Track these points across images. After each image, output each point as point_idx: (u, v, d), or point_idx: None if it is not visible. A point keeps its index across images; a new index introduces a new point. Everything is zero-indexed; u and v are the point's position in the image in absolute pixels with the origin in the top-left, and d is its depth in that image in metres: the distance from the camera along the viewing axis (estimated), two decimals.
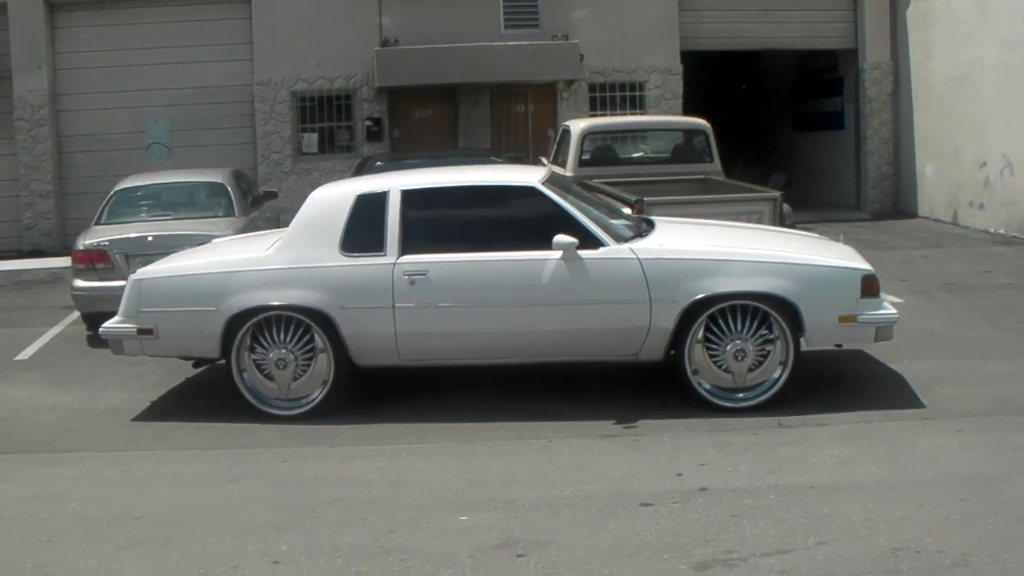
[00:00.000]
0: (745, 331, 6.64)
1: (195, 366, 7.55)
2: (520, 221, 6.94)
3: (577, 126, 12.33)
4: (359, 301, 6.78)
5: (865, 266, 6.70)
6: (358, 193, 7.10)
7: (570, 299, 6.70)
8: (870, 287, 6.62)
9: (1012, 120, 13.91)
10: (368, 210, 6.92)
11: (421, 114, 16.98)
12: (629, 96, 16.92)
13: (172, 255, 7.95)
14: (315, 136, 16.82)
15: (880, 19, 16.94)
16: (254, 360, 6.93)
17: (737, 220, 10.16)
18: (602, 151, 12.39)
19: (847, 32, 17.26)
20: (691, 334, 6.63)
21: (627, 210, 10.02)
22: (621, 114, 16.43)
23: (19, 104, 16.34)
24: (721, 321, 6.65)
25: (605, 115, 16.43)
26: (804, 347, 6.76)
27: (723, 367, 6.67)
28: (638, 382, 7.33)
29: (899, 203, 17.25)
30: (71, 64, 16.57)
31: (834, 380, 7.40)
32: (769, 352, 6.64)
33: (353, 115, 16.78)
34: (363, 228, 6.88)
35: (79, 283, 9.83)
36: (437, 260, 6.78)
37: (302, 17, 16.29)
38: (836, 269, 6.68)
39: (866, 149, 17.31)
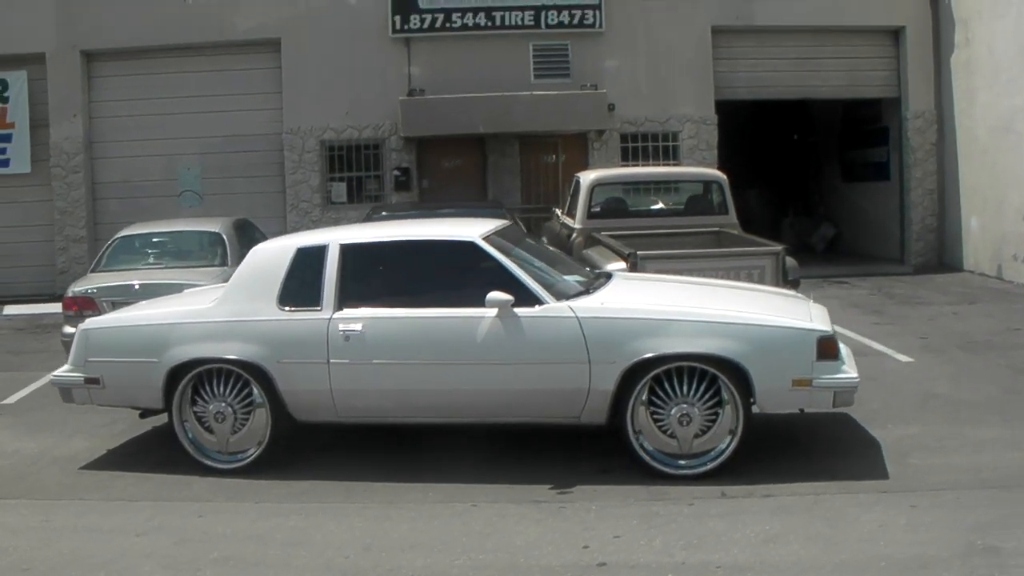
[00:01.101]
0: (691, 395, 6.23)
1: (142, 416, 7.45)
2: (459, 277, 6.67)
3: (587, 177, 12.02)
4: (295, 356, 6.65)
5: (822, 327, 6.24)
6: (298, 247, 7.00)
7: (506, 358, 6.40)
8: (827, 350, 6.16)
9: None
10: (307, 264, 6.82)
11: (450, 164, 16.86)
12: (662, 147, 16.57)
13: (131, 306, 7.93)
14: (344, 185, 16.81)
15: (924, 67, 16.36)
16: (195, 412, 6.86)
17: (738, 275, 9.82)
18: (612, 203, 12.05)
19: (890, 80, 16.71)
20: (633, 397, 6.26)
21: (622, 264, 9.77)
22: (654, 164, 16.07)
23: (55, 151, 16.70)
24: (666, 383, 6.26)
25: (636, 165, 16.11)
26: (759, 411, 6.32)
27: (668, 432, 6.28)
28: (589, 444, 6.94)
29: (944, 256, 16.52)
30: (106, 112, 16.89)
31: (802, 445, 6.96)
32: (717, 417, 6.22)
33: (382, 164, 16.74)
34: (301, 282, 6.78)
35: (68, 329, 9.84)
36: (372, 315, 6.61)
37: (331, 66, 16.35)
38: (789, 330, 6.23)
39: (909, 201, 16.65)
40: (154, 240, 11.32)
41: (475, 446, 7.11)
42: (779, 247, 9.94)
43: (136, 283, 9.97)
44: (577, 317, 6.34)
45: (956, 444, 6.83)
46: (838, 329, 11.12)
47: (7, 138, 16.72)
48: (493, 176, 16.67)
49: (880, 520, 5.41)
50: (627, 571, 4.90)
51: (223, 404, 6.76)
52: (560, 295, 6.52)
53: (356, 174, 16.87)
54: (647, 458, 6.30)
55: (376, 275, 6.91)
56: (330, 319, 6.63)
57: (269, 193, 16.71)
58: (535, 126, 15.77)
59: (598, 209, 11.85)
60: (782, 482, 6.13)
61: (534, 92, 15.65)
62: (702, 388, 6.23)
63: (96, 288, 10.08)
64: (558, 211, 12.43)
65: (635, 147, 16.57)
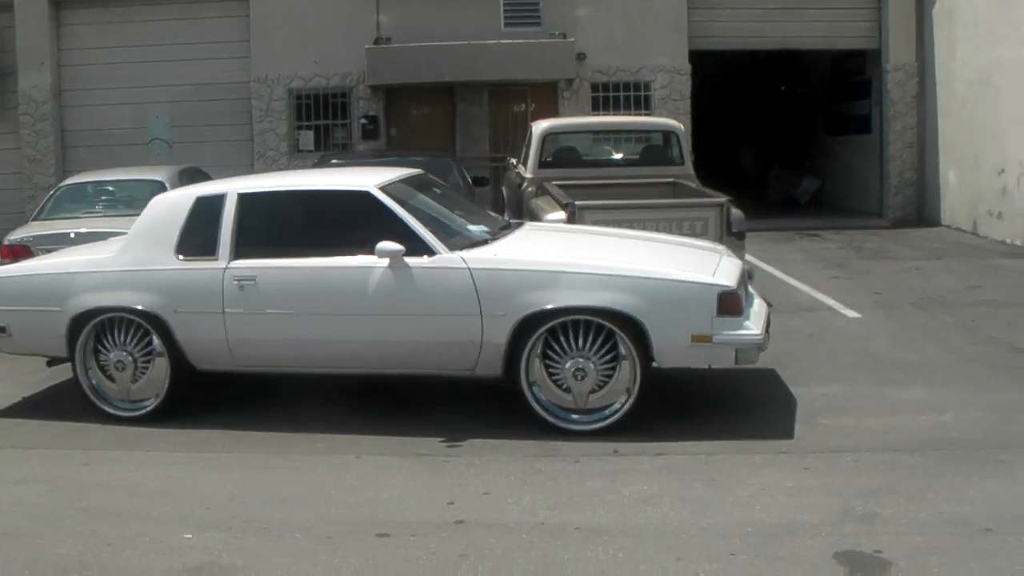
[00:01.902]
0: (587, 349, 6.04)
1: (49, 364, 7.32)
2: (354, 227, 6.47)
3: (539, 126, 11.74)
4: (191, 305, 6.58)
5: (723, 282, 6.00)
6: (197, 196, 6.91)
7: (397, 309, 6.25)
8: (728, 305, 5.93)
9: None
10: (205, 214, 6.71)
11: (419, 112, 16.59)
12: (634, 96, 16.23)
13: (46, 255, 7.83)
14: (311, 134, 16.57)
15: (905, 17, 15.92)
16: (98, 361, 6.82)
17: (681, 227, 9.59)
18: (565, 152, 11.78)
19: (871, 31, 16.28)
20: (527, 350, 6.09)
21: (561, 214, 9.54)
22: (626, 114, 15.74)
23: (23, 99, 16.52)
24: (562, 337, 6.07)
25: (608, 115, 15.78)
26: (659, 367, 6.13)
27: (563, 386, 6.11)
28: (492, 396, 6.76)
29: (922, 211, 16.19)
30: (75, 60, 16.67)
31: (714, 403, 6.79)
32: (614, 373, 6.03)
33: (350, 113, 16.48)
34: (199, 232, 6.68)
35: None
36: (266, 265, 6.49)
37: (299, 14, 16.06)
38: (687, 284, 6.00)
39: (888, 154, 16.29)
40: (97, 189, 11.17)
41: (378, 397, 7.04)
42: (723, 198, 9.68)
43: (72, 231, 9.85)
44: (469, 268, 6.15)
45: (872, 405, 6.62)
46: (793, 283, 11.12)
47: None
48: (462, 125, 16.40)
49: (765, 483, 5.22)
50: (481, 529, 4.74)
51: (123, 353, 6.72)
52: (454, 246, 6.32)
53: (324, 122, 16.62)
54: (541, 412, 6.15)
55: (273, 225, 6.75)
56: (225, 268, 6.53)
57: (237, 142, 16.51)
58: (503, 75, 15.46)
59: (550, 159, 11.59)
60: (680, 440, 5.96)
61: (501, 41, 15.30)
62: (598, 343, 6.04)
63: (32, 236, 9.98)
64: (513, 160, 12.16)
65: (606, 96, 16.21)
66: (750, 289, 6.94)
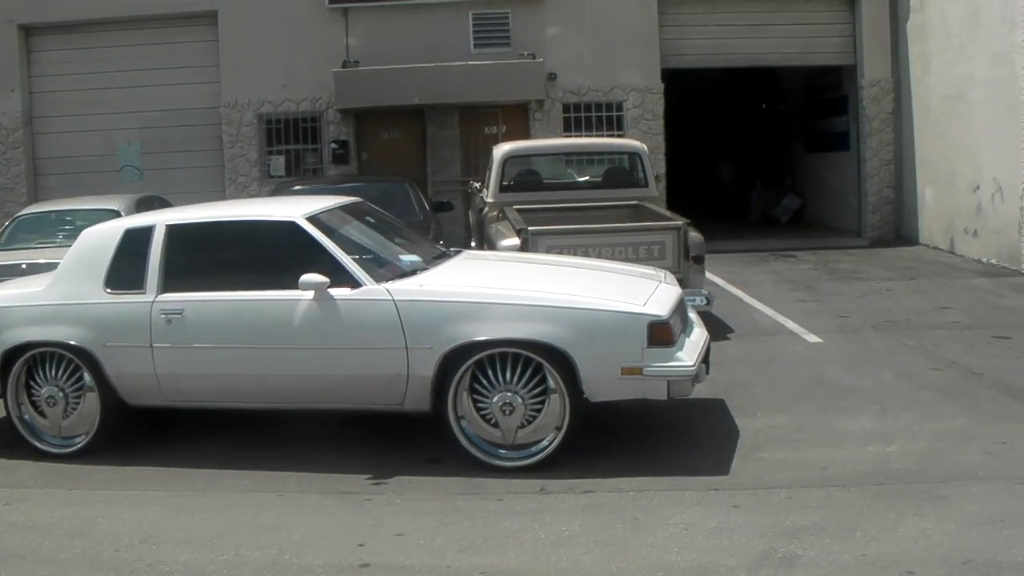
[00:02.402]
0: (516, 382, 5.85)
1: None
2: (281, 258, 6.31)
3: (500, 149, 11.60)
4: (120, 339, 6.44)
5: (655, 312, 5.80)
6: (126, 228, 6.77)
7: (323, 343, 6.08)
8: (659, 335, 5.74)
9: (1002, 141, 12.68)
10: (134, 246, 6.58)
11: (390, 136, 16.42)
12: (606, 116, 16.05)
13: None
14: (282, 159, 16.40)
15: (879, 32, 15.76)
16: (31, 396, 6.70)
17: (638, 251, 9.45)
18: (526, 176, 11.61)
19: (845, 47, 16.11)
20: (454, 384, 5.90)
21: (515, 240, 9.37)
22: (597, 135, 15.58)
23: None
24: (490, 370, 5.89)
25: (580, 136, 15.63)
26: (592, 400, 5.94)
27: (491, 421, 5.92)
28: (427, 432, 6.55)
29: (900, 229, 16.00)
30: (46, 87, 16.54)
31: (654, 436, 6.57)
32: (543, 407, 5.84)
33: (321, 137, 16.32)
34: (127, 265, 6.56)
35: None
36: (193, 299, 6.35)
37: (268, 38, 15.93)
38: (616, 315, 5.81)
39: (865, 171, 16.11)
40: (52, 219, 11.05)
41: (313, 431, 6.82)
42: (680, 222, 9.55)
43: (23, 262, 9.74)
44: (394, 300, 5.98)
45: (818, 436, 6.43)
46: (758, 307, 10.92)
47: None
48: (432, 148, 16.22)
49: (690, 522, 5.03)
50: (386, 572, 4.58)
51: (54, 388, 6.61)
52: (381, 277, 6.14)
53: (295, 147, 16.45)
54: (470, 447, 5.97)
55: (201, 257, 6.60)
56: (153, 302, 6.40)
57: (208, 167, 16.35)
58: (470, 96, 15.29)
59: (511, 183, 11.43)
60: (612, 476, 5.77)
61: (468, 62, 15.16)
62: (526, 376, 5.85)
63: None
64: (476, 185, 12.00)
65: (578, 117, 16.05)
66: (691, 316, 6.77)
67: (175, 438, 6.96)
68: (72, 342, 6.49)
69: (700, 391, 7.44)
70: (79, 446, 6.61)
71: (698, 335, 6.35)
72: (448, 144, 16.26)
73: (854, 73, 16.17)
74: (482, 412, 5.92)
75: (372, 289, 6.03)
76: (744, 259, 14.72)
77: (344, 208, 7.07)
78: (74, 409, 6.60)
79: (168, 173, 16.28)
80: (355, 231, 6.82)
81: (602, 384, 5.80)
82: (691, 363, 5.78)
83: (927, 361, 8.25)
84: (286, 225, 6.34)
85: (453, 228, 13.66)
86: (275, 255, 6.37)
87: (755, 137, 21.96)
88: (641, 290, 6.18)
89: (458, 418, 5.95)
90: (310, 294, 6.05)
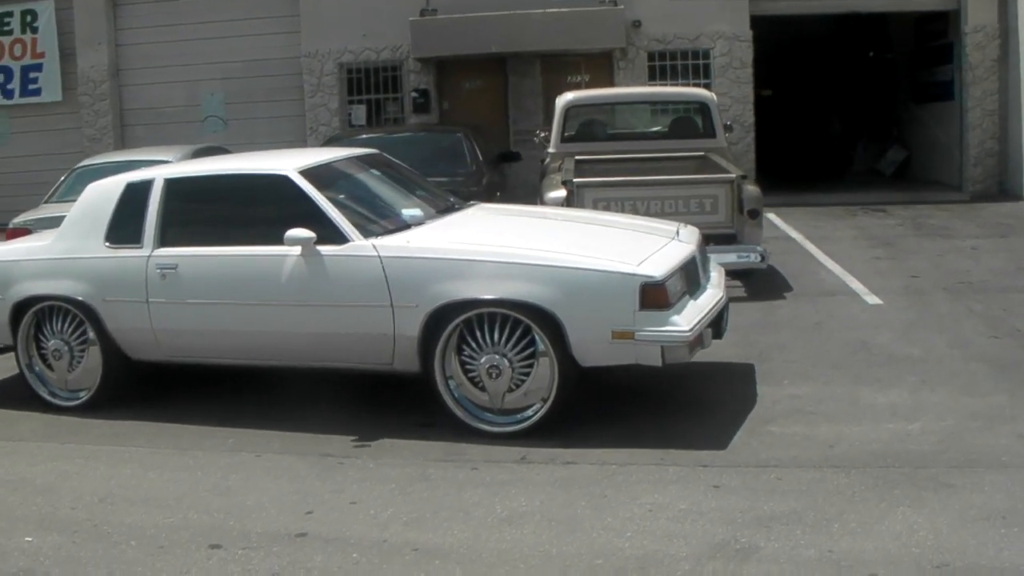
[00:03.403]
0: (504, 344, 5.56)
1: (1, 352, 7.19)
2: (273, 213, 6.12)
3: (563, 98, 11.18)
4: (119, 294, 6.42)
5: (649, 272, 5.40)
6: (127, 182, 6.71)
7: (309, 299, 5.91)
8: (653, 298, 5.35)
9: None
10: (134, 200, 6.52)
11: (471, 85, 16.10)
12: (692, 65, 15.37)
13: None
14: (363, 108, 16.26)
15: None
16: (39, 349, 6.74)
17: (688, 205, 8.99)
18: (589, 126, 11.19)
19: None
20: (440, 344, 5.65)
21: (562, 192, 9.02)
22: (683, 84, 14.95)
23: (82, 79, 16.69)
24: (478, 331, 5.61)
25: (665, 84, 15.03)
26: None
27: (479, 384, 5.65)
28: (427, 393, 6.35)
29: (1005, 183, 14.93)
30: (131, 40, 16.75)
31: (662, 403, 6.21)
32: (531, 371, 5.54)
33: (402, 86, 16.11)
34: (127, 219, 6.50)
35: None
36: (187, 254, 6.26)
37: None
38: (607, 275, 5.43)
39: (967, 122, 15.05)
40: (110, 170, 10.97)
41: (318, 391, 6.66)
42: (733, 175, 9.02)
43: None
44: (380, 256, 5.75)
45: (839, 409, 5.94)
46: (828, 264, 10.30)
47: (38, 68, 16.79)
48: (514, 98, 15.85)
49: (660, 502, 4.67)
50: (317, 544, 4.39)
51: (60, 341, 6.63)
52: (371, 232, 5.91)
53: (375, 96, 16.29)
54: (457, 410, 5.74)
55: (197, 212, 6.50)
56: (149, 256, 6.34)
57: (290, 117, 16.33)
58: (550, 45, 14.84)
59: (573, 133, 11.03)
60: (601, 447, 5.45)
61: (547, 10, 14.67)
62: (515, 338, 5.54)
63: (35, 219, 9.95)
64: (543, 135, 11.62)
65: (663, 66, 15.42)
66: (711, 275, 6.34)
67: (180, 393, 6.93)
68: (74, 296, 6.49)
69: (731, 355, 7.12)
70: (84, 399, 6.64)
71: (708, 297, 5.92)
72: (530, 93, 15.86)
73: (958, 18, 15.06)
74: (470, 375, 5.66)
75: (358, 245, 5.81)
76: (832, 213, 13.99)
77: (353, 160, 6.87)
78: (79, 362, 6.62)
79: (251, 123, 16.36)
80: (358, 184, 6.62)
81: (592, 348, 5.46)
82: (687, 328, 5.37)
83: (989, 328, 7.60)
84: (278, 179, 6.16)
85: (531, 177, 13.27)
86: (268, 209, 6.20)
87: (864, 87, 20.84)
88: (643, 248, 5.78)
89: (446, 379, 5.72)
90: (297, 249, 5.86)
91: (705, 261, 6.41)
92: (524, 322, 5.51)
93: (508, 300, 5.47)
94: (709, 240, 8.84)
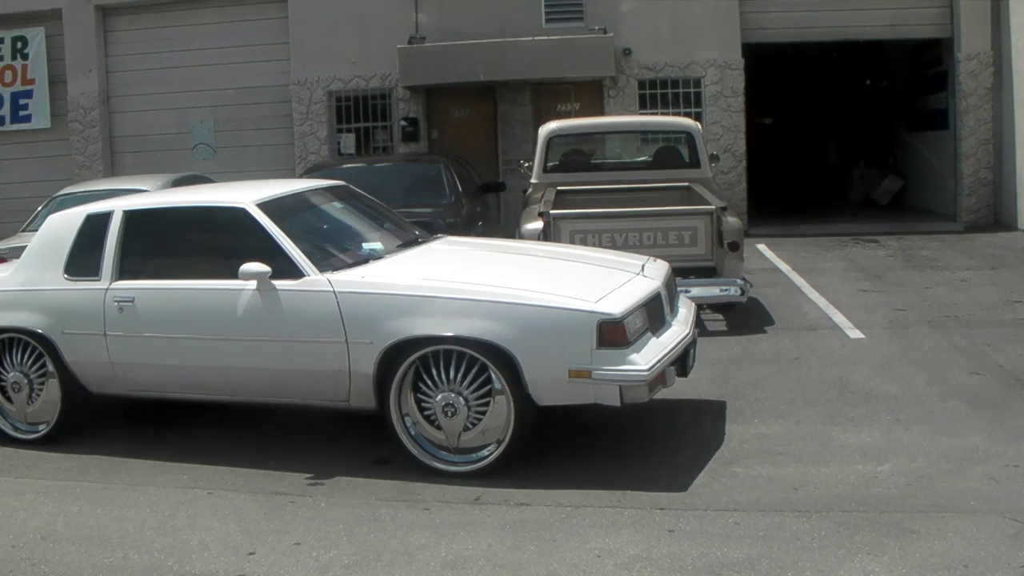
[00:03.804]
0: (460, 382, 5.41)
1: None
2: (231, 246, 6.01)
3: (545, 128, 11.07)
4: (77, 327, 6.31)
5: (606, 310, 5.25)
6: (87, 213, 6.61)
7: (264, 335, 5.77)
8: (610, 336, 5.21)
9: None
10: (94, 232, 6.43)
11: (460, 113, 16.03)
12: (683, 93, 15.29)
13: None
14: (352, 136, 16.20)
15: (980, 2, 14.53)
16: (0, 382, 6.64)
17: (667, 237, 8.86)
18: (572, 155, 11.09)
19: (942, 18, 14.92)
20: (396, 382, 5.51)
21: (539, 224, 8.90)
22: (674, 113, 14.87)
23: (72, 106, 16.67)
24: (433, 369, 5.46)
25: (656, 113, 14.95)
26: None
27: (436, 423, 5.50)
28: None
29: (999, 214, 14.79)
30: (121, 67, 16.74)
31: (627, 441, 6.04)
32: (487, 409, 5.39)
33: (391, 115, 16.05)
34: (86, 251, 6.41)
35: None
36: (144, 286, 6.16)
37: (337, 15, 15.72)
38: (562, 312, 5.28)
39: (961, 151, 14.93)
40: (87, 199, 10.96)
41: (280, 426, 6.60)
42: (712, 207, 8.89)
43: None
44: (335, 292, 5.62)
45: (808, 449, 5.78)
46: (813, 297, 10.14)
47: (28, 94, 16.77)
48: (503, 126, 15.78)
49: (609, 548, 4.51)
50: None
51: (19, 373, 6.53)
52: (328, 267, 5.78)
53: (365, 125, 16.23)
54: (413, 449, 5.61)
55: (155, 244, 6.40)
56: (107, 289, 6.24)
57: (279, 146, 16.29)
58: (538, 73, 14.77)
59: (556, 163, 10.92)
60: (559, 487, 5.29)
61: (535, 38, 14.63)
62: (471, 376, 5.40)
63: (10, 248, 9.86)
64: (526, 164, 11.51)
65: (654, 94, 15.34)
66: (679, 310, 6.20)
67: (140, 427, 6.86)
68: (33, 328, 6.39)
69: (704, 392, 6.98)
70: (43, 432, 6.54)
71: (672, 334, 5.77)
72: (520, 121, 15.78)
73: (952, 46, 14.97)
74: (426, 412, 5.52)
75: (313, 280, 5.68)
76: (823, 244, 13.86)
77: (317, 192, 6.77)
78: (38, 395, 6.51)
79: (240, 151, 16.33)
80: (320, 217, 6.52)
81: (549, 387, 5.30)
82: (645, 367, 5.22)
83: (972, 364, 7.43)
84: (235, 211, 6.05)
85: (517, 207, 13.17)
86: (225, 242, 6.09)
87: (860, 115, 20.79)
88: (603, 285, 5.63)
89: (402, 417, 5.58)
90: (252, 283, 5.74)
91: (673, 296, 6.27)
92: (480, 360, 5.36)
93: (463, 337, 5.33)
94: (689, 273, 8.85)
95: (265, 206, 6.03)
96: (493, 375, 5.36)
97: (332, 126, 16.19)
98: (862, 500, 4.96)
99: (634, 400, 5.30)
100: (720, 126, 15.09)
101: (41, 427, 6.55)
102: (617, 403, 5.27)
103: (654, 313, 5.71)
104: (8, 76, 16.70)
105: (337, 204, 6.78)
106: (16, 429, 6.61)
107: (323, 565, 4.45)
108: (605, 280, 5.75)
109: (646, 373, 5.21)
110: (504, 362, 5.31)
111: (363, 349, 5.50)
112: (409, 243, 6.53)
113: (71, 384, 6.40)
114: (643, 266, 6.08)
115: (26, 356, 6.49)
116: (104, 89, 16.75)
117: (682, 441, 6.06)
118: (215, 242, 6.16)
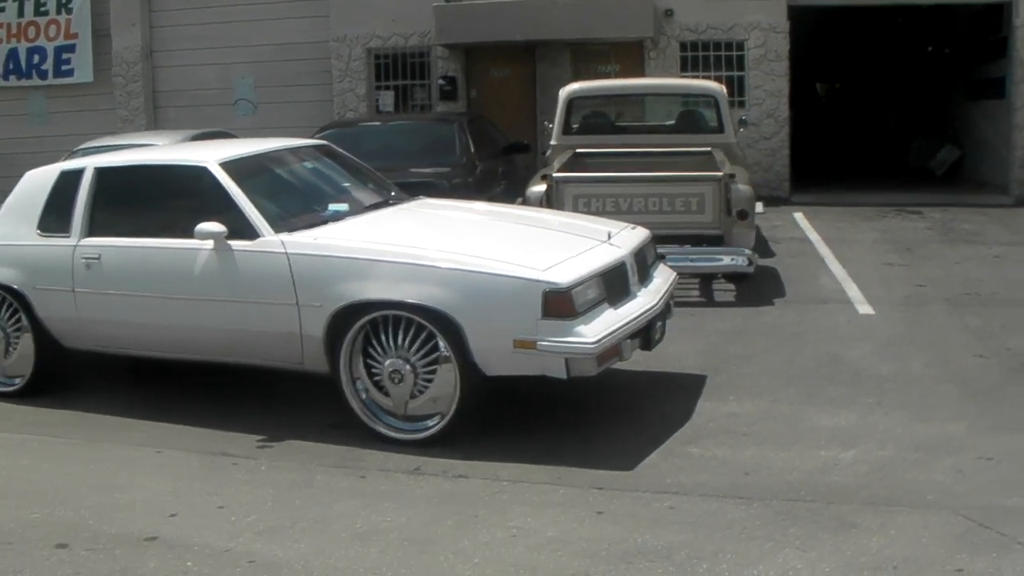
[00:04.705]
0: (408, 348, 5.27)
1: None
2: (193, 205, 5.93)
3: (566, 89, 10.81)
4: (48, 282, 6.34)
5: (553, 279, 5.03)
6: (61, 170, 6.62)
7: (219, 295, 5.71)
8: (556, 306, 5.01)
9: None
10: (66, 189, 6.44)
11: (499, 73, 15.78)
12: (725, 56, 14.85)
13: None
14: (391, 94, 16.07)
15: None
16: None
17: (674, 203, 8.59)
18: (593, 118, 10.80)
19: None
20: (346, 346, 5.40)
21: (543, 187, 8.70)
22: (715, 76, 14.44)
23: (116, 60, 16.81)
24: (382, 334, 5.33)
25: (697, 77, 14.53)
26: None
27: (384, 389, 5.37)
28: None
29: None
30: (165, 22, 16.81)
31: (588, 415, 5.84)
32: (434, 378, 5.25)
33: (430, 73, 15.87)
34: (58, 208, 6.43)
35: None
36: (109, 244, 6.15)
37: None
38: (507, 279, 5.09)
39: (1015, 121, 14.27)
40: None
41: (250, 386, 6.46)
42: (720, 173, 8.56)
43: None
44: (287, 253, 5.51)
45: (775, 431, 5.53)
46: (833, 269, 9.76)
47: (71, 48, 16.95)
48: (542, 87, 15.47)
49: (528, 527, 4.34)
50: (159, 550, 4.23)
51: None
52: (284, 228, 5.66)
53: (404, 83, 16.09)
54: (362, 415, 5.52)
55: (122, 202, 6.36)
56: (75, 246, 6.24)
57: (318, 102, 16.20)
58: (578, 33, 14.44)
59: (576, 125, 10.66)
60: (502, 460, 5.14)
61: None
62: (418, 342, 5.25)
63: None
64: (549, 125, 11.26)
65: (695, 56, 14.92)
66: (652, 281, 5.95)
67: (116, 383, 6.83)
68: (7, 283, 6.44)
69: (689, 366, 6.76)
70: (19, 386, 6.59)
71: (635, 306, 5.54)
72: (559, 82, 15.22)
73: (1011, 11, 14.27)
74: (375, 378, 5.39)
75: (267, 240, 5.59)
76: (863, 214, 13.37)
77: (293, 151, 6.66)
78: (15, 349, 6.55)
79: (280, 107, 16.29)
80: (291, 177, 6.41)
81: (494, 356, 5.14)
82: (592, 340, 5.01)
83: (979, 345, 7.07)
84: (197, 170, 5.99)
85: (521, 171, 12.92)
86: (187, 201, 6.03)
87: (921, 82, 20.03)
88: (559, 253, 5.42)
89: (353, 381, 5.46)
90: (209, 243, 5.66)
91: (646, 266, 6.03)
92: (428, 327, 5.21)
93: (407, 303, 5.19)
94: (702, 241, 8.58)
95: (228, 165, 5.94)
96: (440, 342, 5.20)
97: (371, 83, 16.07)
98: (813, 488, 4.72)
99: (581, 373, 5.11)
100: (763, 90, 14.64)
101: (17, 380, 6.60)
102: (564, 375, 5.08)
103: (615, 283, 5.48)
104: (52, 30, 16.88)
105: (313, 164, 6.67)
106: None
107: (237, 531, 4.37)
108: (563, 248, 5.54)
109: (592, 346, 5.00)
110: (449, 329, 5.15)
111: (313, 312, 5.40)
112: (379, 205, 6.38)
113: (44, 338, 6.43)
114: (610, 233, 5.83)
115: (3, 310, 6.54)
116: (147, 44, 16.84)
117: (647, 417, 5.84)
118: (178, 201, 6.10)
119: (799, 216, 13.20)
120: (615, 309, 5.36)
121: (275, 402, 6.23)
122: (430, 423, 5.34)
